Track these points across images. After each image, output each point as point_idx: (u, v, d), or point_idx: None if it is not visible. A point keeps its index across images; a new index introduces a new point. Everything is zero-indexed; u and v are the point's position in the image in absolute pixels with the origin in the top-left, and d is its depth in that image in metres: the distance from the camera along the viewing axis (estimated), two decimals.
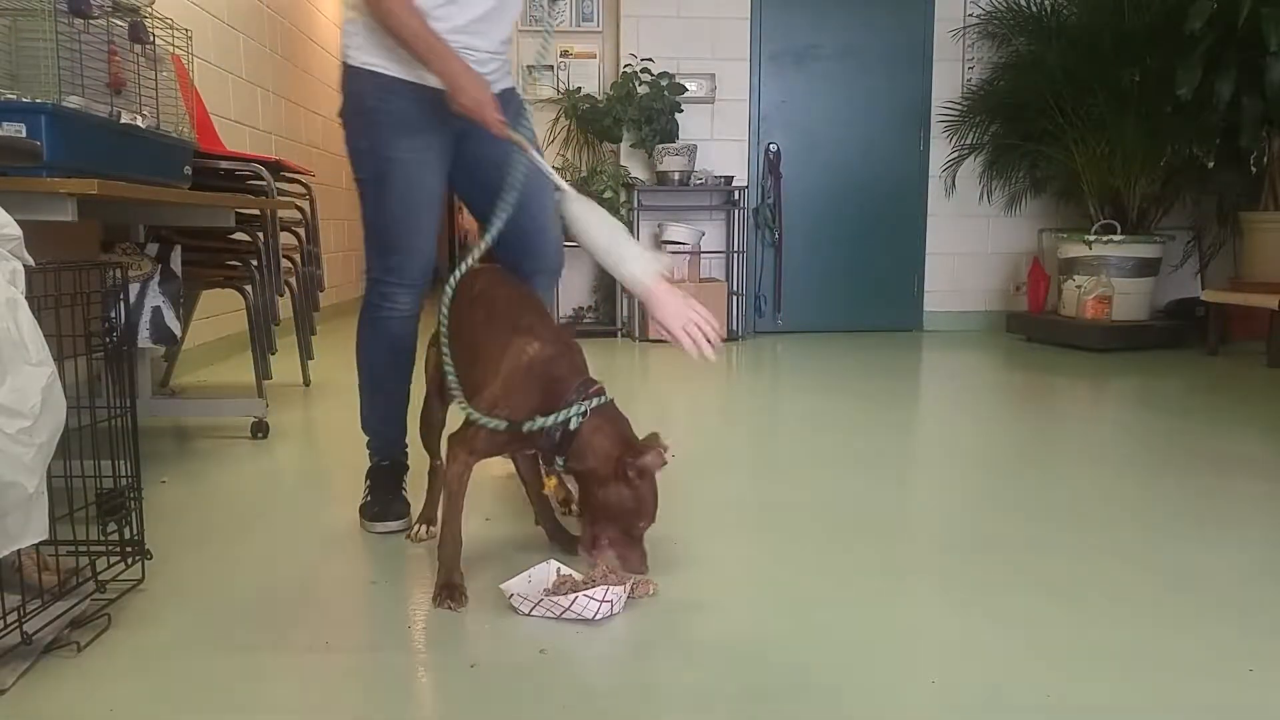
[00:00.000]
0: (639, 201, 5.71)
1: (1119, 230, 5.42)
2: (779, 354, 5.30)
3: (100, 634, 1.53)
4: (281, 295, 3.46)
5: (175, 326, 2.78)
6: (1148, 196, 5.53)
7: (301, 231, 3.82)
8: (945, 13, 6.02)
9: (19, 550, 1.39)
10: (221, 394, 3.67)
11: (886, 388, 4.24)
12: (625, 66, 5.76)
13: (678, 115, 5.73)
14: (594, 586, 1.62)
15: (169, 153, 2.61)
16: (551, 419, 1.65)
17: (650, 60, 5.72)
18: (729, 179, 5.83)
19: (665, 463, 1.68)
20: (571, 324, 5.86)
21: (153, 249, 2.83)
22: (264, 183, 3.34)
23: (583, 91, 5.89)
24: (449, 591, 1.66)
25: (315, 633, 1.58)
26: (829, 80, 6.04)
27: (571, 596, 1.59)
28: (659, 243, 5.68)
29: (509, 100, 2.02)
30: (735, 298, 5.89)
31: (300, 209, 3.75)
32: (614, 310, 5.92)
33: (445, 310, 1.84)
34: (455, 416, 1.89)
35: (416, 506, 2.09)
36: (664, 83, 5.65)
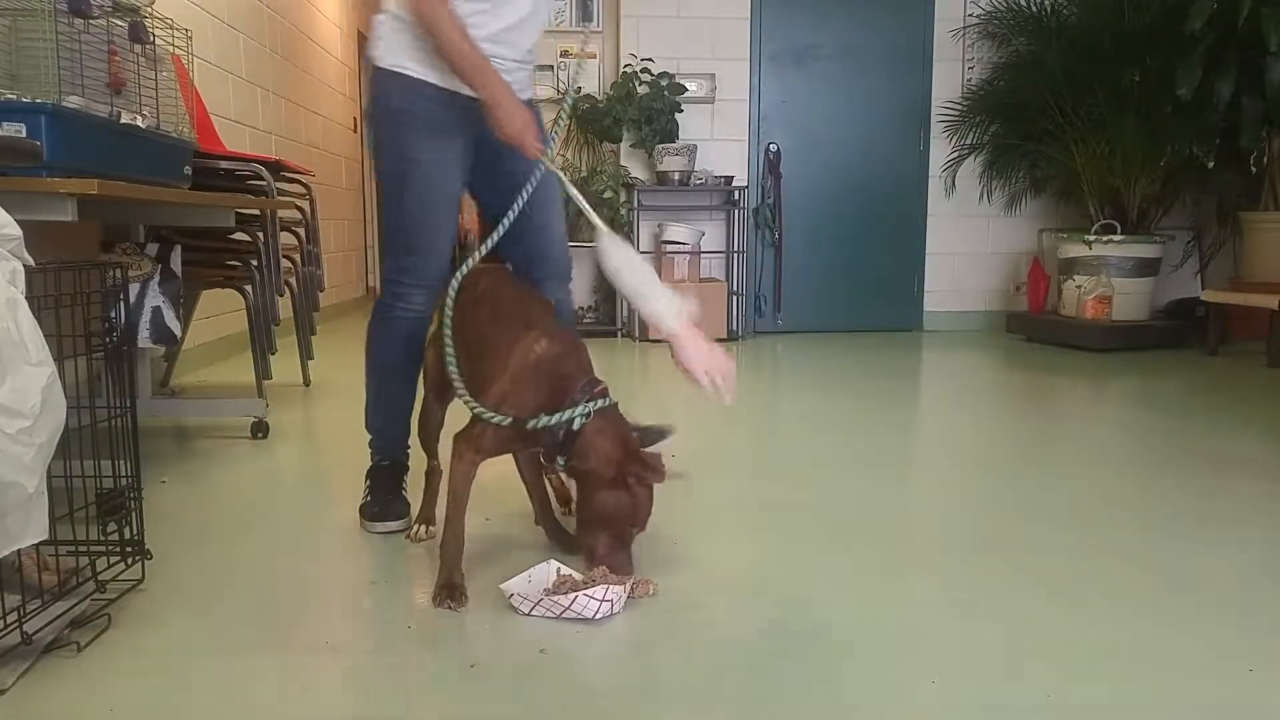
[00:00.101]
0: (639, 201, 5.71)
1: (1119, 230, 5.42)
2: (779, 354, 5.30)
3: (100, 634, 1.53)
4: (281, 295, 3.46)
5: (175, 326, 2.78)
6: (1148, 196, 5.53)
7: (301, 231, 3.82)
8: (945, 13, 6.02)
9: (19, 550, 1.39)
10: (221, 394, 3.67)
11: (886, 388, 4.24)
12: (625, 66, 5.76)
13: (678, 115, 5.73)
14: (594, 586, 1.62)
15: (169, 153, 2.61)
16: (556, 418, 1.65)
17: (650, 60, 5.72)
18: (729, 179, 5.83)
19: (664, 479, 1.71)
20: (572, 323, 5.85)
21: (153, 249, 2.83)
22: (264, 183, 3.34)
23: (582, 91, 5.89)
24: (449, 591, 1.67)
25: (315, 633, 1.58)
26: (829, 80, 6.04)
27: (571, 596, 1.59)
28: (659, 243, 5.68)
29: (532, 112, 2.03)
30: (735, 298, 5.89)
31: (300, 209, 3.75)
32: (614, 310, 5.92)
33: (449, 309, 1.85)
34: (455, 417, 1.89)
35: (416, 506, 2.10)
36: (664, 83, 5.66)
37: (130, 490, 1.69)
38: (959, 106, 6.04)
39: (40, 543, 1.38)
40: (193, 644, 1.53)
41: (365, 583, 1.83)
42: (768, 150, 6.03)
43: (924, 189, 6.18)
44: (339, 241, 6.78)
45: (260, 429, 3.00)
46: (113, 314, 1.66)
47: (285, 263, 3.58)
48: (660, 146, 5.63)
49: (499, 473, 2.40)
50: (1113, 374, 4.54)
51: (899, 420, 3.53)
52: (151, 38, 2.51)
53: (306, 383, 3.91)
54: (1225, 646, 1.54)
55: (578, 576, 1.69)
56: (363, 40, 7.79)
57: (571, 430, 1.66)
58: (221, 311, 4.33)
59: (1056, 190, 6.10)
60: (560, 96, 5.86)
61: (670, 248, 5.60)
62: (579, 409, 1.66)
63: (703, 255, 5.79)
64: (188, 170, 2.71)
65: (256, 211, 3.33)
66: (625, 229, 5.60)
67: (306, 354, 3.92)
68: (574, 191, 2.00)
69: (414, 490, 2.14)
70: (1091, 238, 5.37)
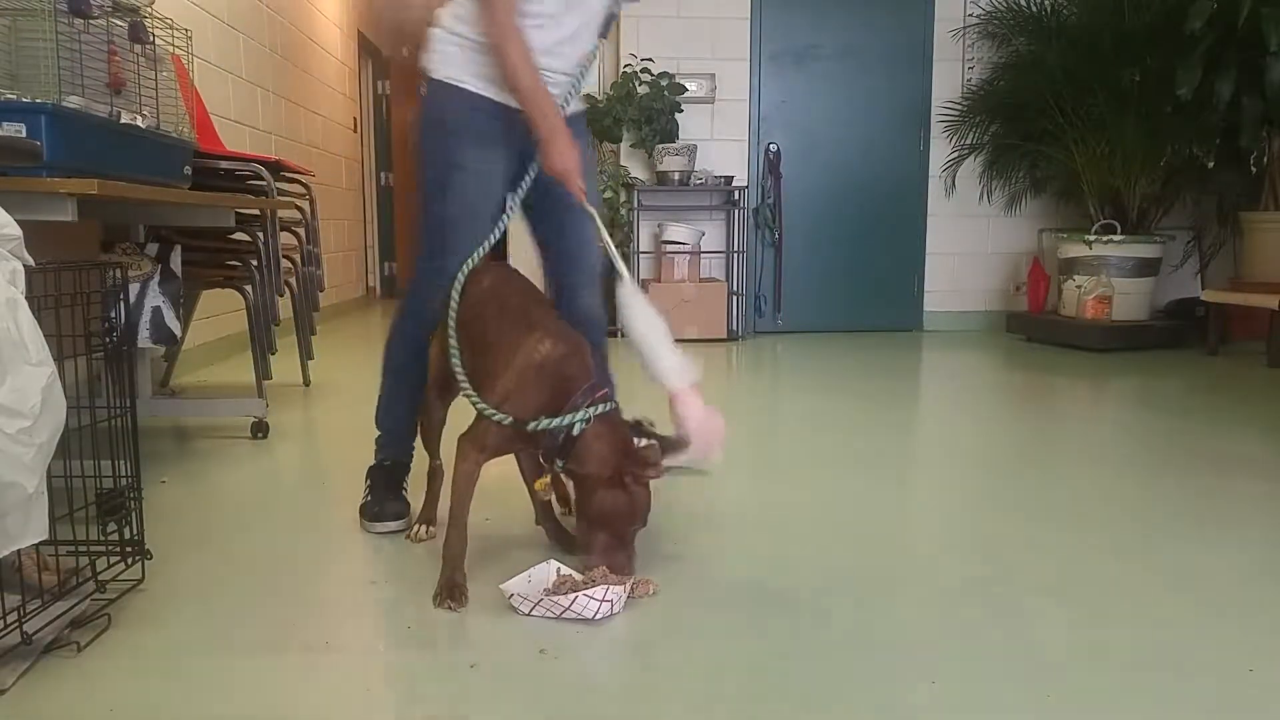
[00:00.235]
0: (639, 201, 5.71)
1: (1119, 230, 5.42)
2: (779, 354, 5.30)
3: (100, 634, 1.53)
4: (281, 295, 3.46)
5: (175, 326, 2.78)
6: (1148, 196, 5.53)
7: (301, 231, 3.82)
8: (945, 13, 6.02)
9: (19, 550, 1.39)
10: (221, 394, 3.67)
11: (886, 388, 4.24)
12: (625, 66, 5.76)
13: (678, 115, 5.73)
14: (594, 586, 1.62)
15: (169, 153, 2.61)
16: (556, 422, 1.66)
17: (650, 60, 5.72)
18: (729, 179, 5.82)
19: (661, 474, 1.73)
20: None
21: (153, 249, 2.83)
22: (264, 183, 3.34)
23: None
24: (450, 590, 1.67)
25: (315, 633, 1.58)
26: (829, 80, 6.04)
27: (571, 596, 1.59)
28: (659, 242, 5.68)
29: (575, 125, 2.05)
30: (735, 298, 5.89)
31: (300, 209, 3.75)
32: (614, 311, 5.91)
33: (454, 304, 1.85)
34: (456, 418, 1.89)
35: (416, 507, 2.10)
36: (664, 83, 5.66)
37: (130, 490, 1.69)
38: (959, 106, 6.04)
39: (40, 543, 1.38)
40: (193, 644, 1.53)
41: (365, 583, 1.83)
42: (768, 150, 6.03)
43: (924, 189, 6.18)
44: (339, 241, 6.78)
45: (260, 429, 3.00)
46: (113, 314, 1.66)
47: (285, 263, 3.58)
48: (660, 146, 5.63)
49: (500, 473, 2.40)
50: (1113, 374, 4.54)
51: (899, 420, 3.52)
52: (151, 38, 2.51)
53: (306, 383, 3.91)
54: (1225, 646, 1.54)
55: (578, 576, 1.69)
56: (363, 40, 7.79)
57: (571, 435, 1.67)
58: (221, 311, 4.33)
59: (1056, 190, 6.10)
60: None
61: (670, 248, 5.60)
62: (579, 414, 1.67)
63: (703, 255, 5.79)
64: (188, 170, 2.71)
65: (256, 211, 3.33)
66: (625, 229, 5.60)
67: (306, 354, 3.92)
68: (605, 236, 2.09)
69: (415, 491, 2.14)
70: (1091, 238, 5.36)
